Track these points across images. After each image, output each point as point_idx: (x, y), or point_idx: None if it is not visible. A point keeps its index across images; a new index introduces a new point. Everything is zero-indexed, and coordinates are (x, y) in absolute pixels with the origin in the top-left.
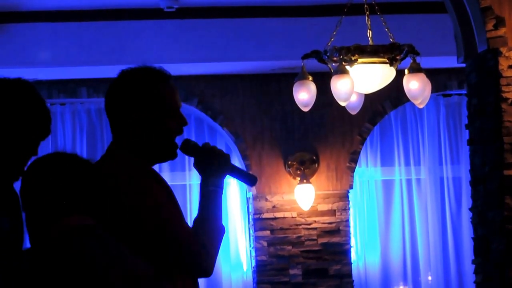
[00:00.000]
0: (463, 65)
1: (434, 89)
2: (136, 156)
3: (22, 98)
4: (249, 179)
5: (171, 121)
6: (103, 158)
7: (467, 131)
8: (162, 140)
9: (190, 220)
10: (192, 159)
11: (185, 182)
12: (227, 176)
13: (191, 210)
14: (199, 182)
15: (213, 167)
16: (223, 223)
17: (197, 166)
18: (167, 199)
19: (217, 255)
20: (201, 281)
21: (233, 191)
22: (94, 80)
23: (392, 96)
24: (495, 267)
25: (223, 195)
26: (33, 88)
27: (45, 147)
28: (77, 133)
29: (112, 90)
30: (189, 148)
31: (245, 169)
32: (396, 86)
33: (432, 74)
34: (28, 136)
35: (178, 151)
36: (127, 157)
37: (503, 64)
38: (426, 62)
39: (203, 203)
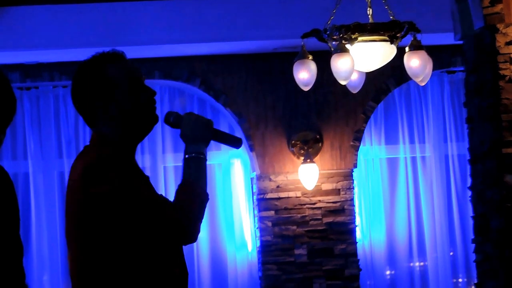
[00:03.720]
0: None
1: (438, 66)
2: (118, 141)
3: None
4: (233, 141)
5: (137, 95)
6: (85, 150)
7: None
8: (138, 112)
9: None
10: None
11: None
12: (220, 158)
13: None
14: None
15: (196, 134)
16: (229, 204)
17: (182, 136)
18: (144, 182)
19: (201, 221)
20: (207, 263)
21: (237, 171)
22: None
23: (395, 73)
24: (495, 246)
25: (227, 176)
26: None
27: (49, 131)
28: (80, 115)
29: (72, 87)
30: (172, 119)
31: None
32: (399, 63)
33: (436, 51)
34: None
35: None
36: (104, 150)
37: (500, 41)
38: (429, 39)
39: (186, 170)
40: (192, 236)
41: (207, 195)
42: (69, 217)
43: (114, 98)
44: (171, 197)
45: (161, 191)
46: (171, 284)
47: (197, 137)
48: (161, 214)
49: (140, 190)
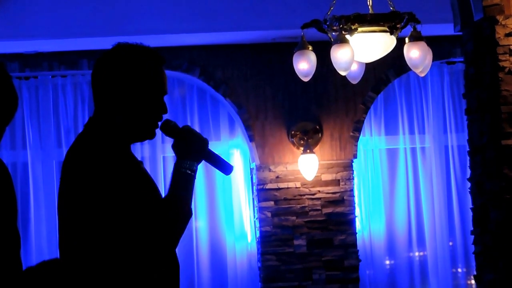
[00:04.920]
0: None
1: (438, 57)
2: (114, 133)
3: None
4: (225, 167)
5: (155, 105)
6: (79, 138)
7: None
8: (143, 122)
9: None
10: None
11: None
12: (219, 146)
13: None
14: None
15: (190, 150)
16: (228, 194)
17: (175, 147)
18: (137, 180)
19: (179, 238)
20: (206, 253)
21: (237, 162)
22: (95, 51)
23: (395, 64)
24: (494, 237)
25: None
26: (2, 70)
27: (47, 120)
28: (79, 105)
29: (105, 62)
30: (169, 128)
31: (222, 157)
32: (399, 54)
33: (436, 42)
34: None
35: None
36: (102, 140)
37: (499, 32)
38: (429, 29)
39: (174, 185)
40: (170, 250)
41: (191, 212)
42: (60, 206)
43: (135, 96)
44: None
45: (160, 181)
46: (161, 276)
47: (191, 153)
48: (144, 225)
49: (129, 194)
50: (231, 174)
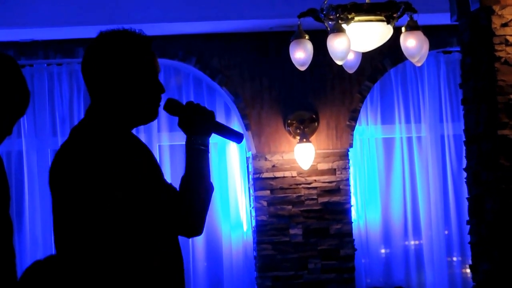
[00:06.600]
0: None
1: (435, 46)
2: (116, 121)
3: (3, 75)
4: (235, 136)
5: (150, 85)
6: (80, 126)
7: None
8: (143, 103)
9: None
10: None
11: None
12: (215, 136)
13: None
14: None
15: (197, 125)
16: (224, 183)
17: (182, 125)
18: (146, 166)
19: (206, 214)
20: (201, 242)
21: (233, 151)
22: (91, 39)
23: (392, 53)
24: (489, 227)
25: (223, 156)
26: (15, 65)
27: (43, 109)
28: (75, 93)
29: (92, 53)
30: (172, 107)
31: (231, 126)
32: (395, 43)
33: (433, 31)
34: (4, 115)
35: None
36: (102, 129)
37: (496, 22)
38: (426, 18)
39: (190, 163)
40: (199, 231)
41: (212, 186)
42: (60, 206)
43: (130, 80)
44: (168, 177)
45: None
46: (166, 268)
47: (199, 128)
48: (165, 211)
49: (141, 184)
50: (228, 161)
